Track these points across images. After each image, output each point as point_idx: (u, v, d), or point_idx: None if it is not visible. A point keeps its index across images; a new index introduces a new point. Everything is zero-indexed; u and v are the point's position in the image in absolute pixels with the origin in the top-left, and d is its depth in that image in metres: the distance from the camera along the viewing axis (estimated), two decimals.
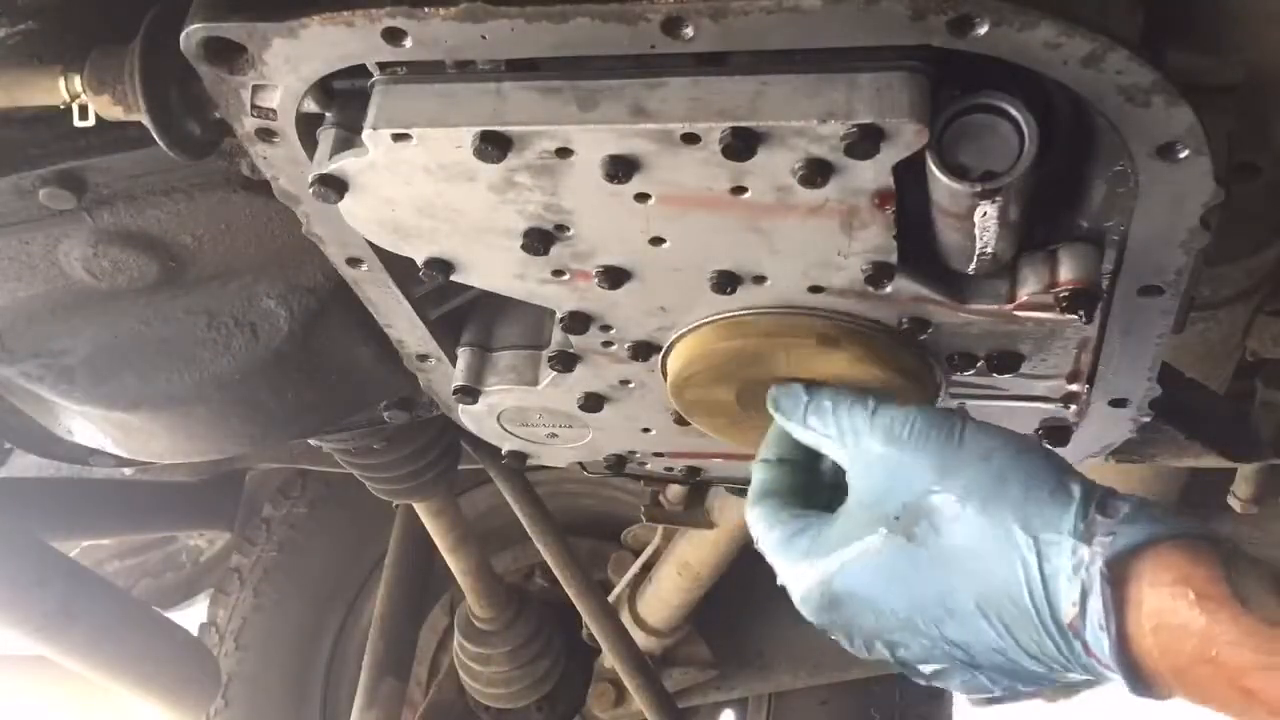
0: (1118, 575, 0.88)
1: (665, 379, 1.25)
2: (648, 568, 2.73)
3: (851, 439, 1.07)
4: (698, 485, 2.23)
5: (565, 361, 1.27)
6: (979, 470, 0.97)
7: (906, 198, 0.98)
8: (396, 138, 0.98)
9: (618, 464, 1.51)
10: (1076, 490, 0.94)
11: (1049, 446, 1.03)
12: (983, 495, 0.96)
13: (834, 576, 1.02)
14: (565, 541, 2.36)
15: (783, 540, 1.08)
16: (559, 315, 1.20)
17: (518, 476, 2.27)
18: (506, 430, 1.45)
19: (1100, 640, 0.88)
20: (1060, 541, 0.91)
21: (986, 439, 1.00)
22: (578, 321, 1.19)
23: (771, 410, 1.16)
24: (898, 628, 1.01)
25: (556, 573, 2.38)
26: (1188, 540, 0.89)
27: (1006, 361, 1.16)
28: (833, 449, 1.10)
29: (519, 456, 1.52)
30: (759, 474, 1.17)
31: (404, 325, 1.34)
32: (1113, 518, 0.91)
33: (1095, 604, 0.88)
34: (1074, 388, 1.21)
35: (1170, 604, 0.86)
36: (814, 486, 1.15)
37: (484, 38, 0.91)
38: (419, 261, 1.14)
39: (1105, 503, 0.93)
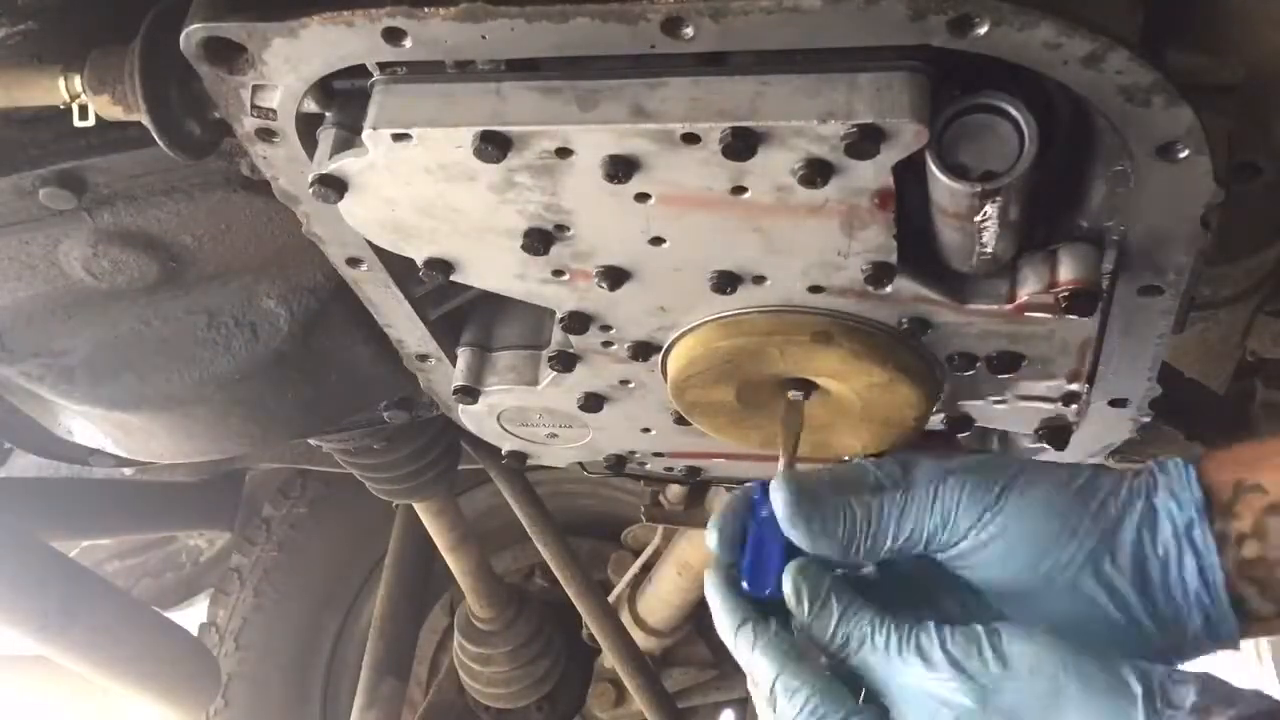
0: None
1: (665, 379, 1.25)
2: (648, 568, 2.73)
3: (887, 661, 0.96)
4: (697, 485, 2.23)
5: (565, 361, 1.27)
6: (1025, 689, 0.90)
7: (906, 198, 0.98)
8: (396, 138, 0.98)
9: (618, 464, 1.51)
10: (1137, 686, 0.87)
11: (1102, 646, 0.92)
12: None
13: None
14: (565, 541, 2.36)
15: None
16: (559, 315, 1.20)
17: (518, 476, 2.27)
18: (506, 430, 1.45)
19: None
20: None
21: (1028, 647, 0.91)
22: (578, 321, 1.19)
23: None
24: None
25: (556, 573, 2.38)
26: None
27: (1007, 361, 1.16)
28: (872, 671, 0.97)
29: (519, 456, 1.52)
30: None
31: (404, 325, 1.34)
32: (1180, 708, 0.86)
33: None
34: (1074, 387, 1.21)
35: None
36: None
37: (484, 38, 0.91)
38: (419, 261, 1.14)
39: (1168, 691, 0.87)
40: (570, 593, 2.39)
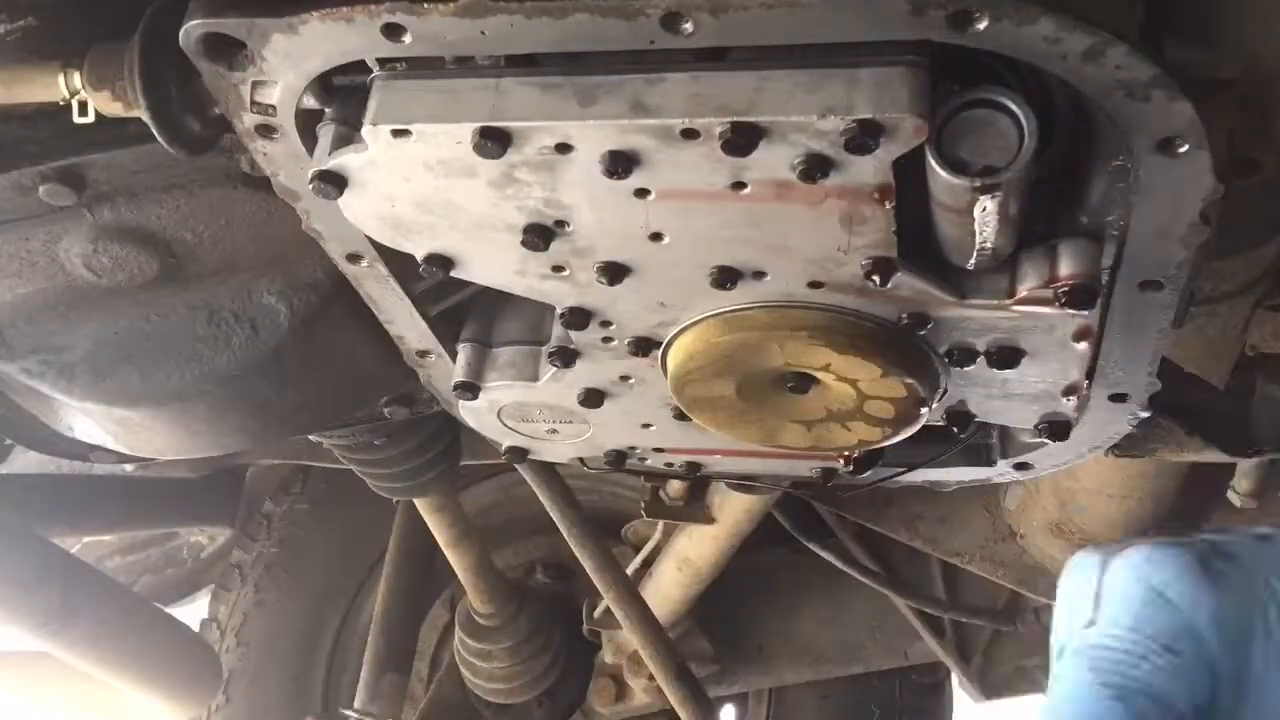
0: None
1: (665, 374, 1.25)
2: (648, 563, 2.73)
3: None
4: (698, 480, 2.23)
5: (565, 357, 1.27)
6: None
7: (906, 193, 0.98)
8: (396, 133, 0.98)
9: (618, 459, 1.51)
10: None
11: None
12: None
13: None
14: (580, 509, 2.28)
15: None
16: (559, 311, 1.20)
17: None
18: (507, 426, 1.45)
19: None
20: None
21: None
22: (578, 317, 1.19)
23: None
24: None
25: (571, 544, 2.30)
26: None
27: (1007, 356, 1.16)
28: None
29: (519, 452, 1.52)
30: None
31: (404, 321, 1.34)
32: None
33: None
34: (1074, 382, 1.21)
35: None
36: None
37: (483, 33, 0.91)
38: (419, 257, 1.14)
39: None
40: (587, 566, 2.32)
